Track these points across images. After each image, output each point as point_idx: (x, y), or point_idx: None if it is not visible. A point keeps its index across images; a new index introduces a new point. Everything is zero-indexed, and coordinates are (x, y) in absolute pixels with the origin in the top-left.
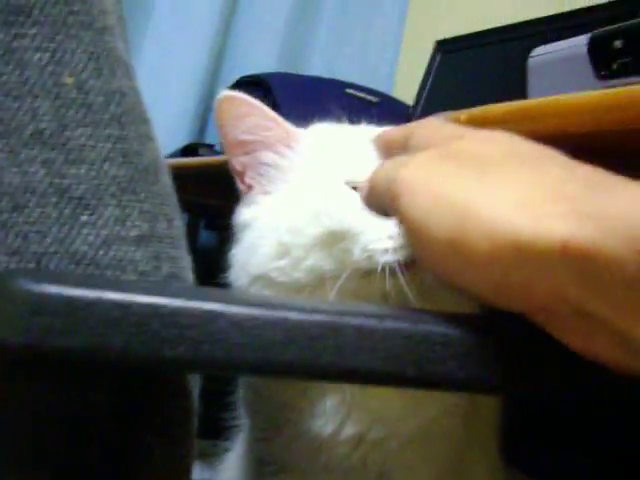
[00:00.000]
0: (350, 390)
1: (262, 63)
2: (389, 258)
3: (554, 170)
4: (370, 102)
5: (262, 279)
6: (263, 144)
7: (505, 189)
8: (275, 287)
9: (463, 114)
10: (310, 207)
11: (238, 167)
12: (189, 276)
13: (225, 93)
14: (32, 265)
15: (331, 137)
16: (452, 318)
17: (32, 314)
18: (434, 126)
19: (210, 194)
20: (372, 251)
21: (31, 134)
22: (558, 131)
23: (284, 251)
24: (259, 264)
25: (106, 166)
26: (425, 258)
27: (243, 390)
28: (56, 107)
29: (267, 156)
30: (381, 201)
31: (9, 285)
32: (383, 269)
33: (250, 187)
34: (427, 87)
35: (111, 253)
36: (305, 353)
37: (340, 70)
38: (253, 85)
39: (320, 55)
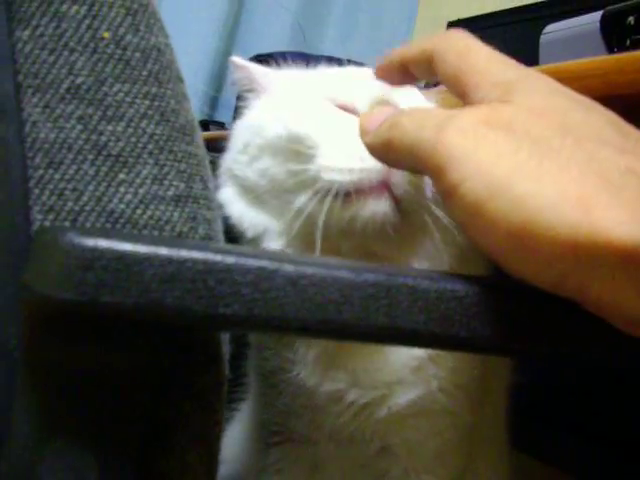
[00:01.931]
0: (332, 345)
1: (274, 42)
2: (346, 179)
3: (611, 156)
4: None
5: (229, 172)
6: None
7: (564, 181)
8: (239, 187)
9: None
10: (275, 111)
11: None
12: (222, 240)
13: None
14: (68, 223)
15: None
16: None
17: (83, 269)
18: (461, 47)
19: None
20: (328, 168)
21: (67, 89)
22: None
23: (243, 149)
24: (228, 158)
25: (144, 123)
26: (481, 242)
27: (251, 357)
28: (93, 62)
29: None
30: (406, 160)
31: (59, 240)
32: (337, 194)
33: None
34: None
35: (149, 212)
36: (359, 313)
37: (352, 51)
38: (265, 64)
39: (333, 35)
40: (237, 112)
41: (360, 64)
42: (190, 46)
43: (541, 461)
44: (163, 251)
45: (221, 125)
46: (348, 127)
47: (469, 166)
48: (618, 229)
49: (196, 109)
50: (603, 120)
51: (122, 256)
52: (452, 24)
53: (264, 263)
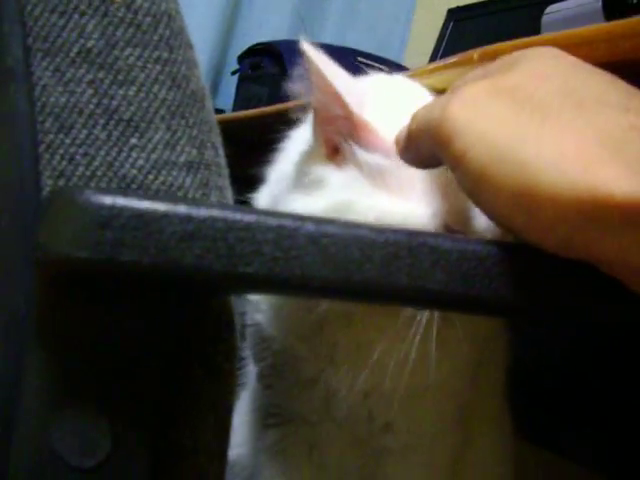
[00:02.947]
0: (363, 341)
1: (274, 31)
2: None
3: (613, 116)
4: (381, 71)
5: None
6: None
7: (565, 142)
8: None
9: (476, 52)
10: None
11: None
12: None
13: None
14: None
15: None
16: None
17: (101, 227)
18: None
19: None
20: None
21: (78, 52)
22: None
23: None
24: None
25: (155, 88)
26: (487, 207)
27: (250, 337)
28: (104, 25)
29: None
30: (424, 147)
31: (76, 198)
32: None
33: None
34: (439, 56)
35: (161, 178)
36: (380, 272)
37: (352, 39)
38: (264, 52)
39: (332, 24)
40: (236, 100)
41: (360, 53)
42: (190, 33)
43: (543, 448)
44: (182, 209)
45: (221, 112)
46: None
47: (472, 135)
48: (618, 185)
49: None
50: (606, 82)
51: (140, 214)
52: (452, 12)
53: (285, 222)
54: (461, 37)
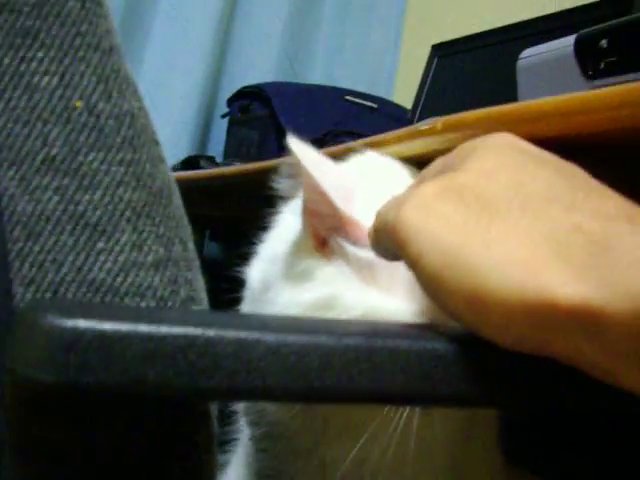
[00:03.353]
0: (353, 422)
1: (261, 72)
2: None
3: (558, 215)
4: (370, 108)
5: None
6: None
7: (511, 245)
8: None
9: (439, 122)
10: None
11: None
12: (204, 298)
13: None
14: (49, 295)
15: None
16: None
17: (64, 351)
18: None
19: (213, 206)
20: None
21: (42, 160)
22: (528, 136)
23: None
24: None
25: (120, 191)
26: (443, 307)
27: (244, 405)
28: (67, 132)
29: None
30: (387, 245)
31: (39, 321)
32: None
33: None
34: (425, 91)
35: (129, 279)
36: (341, 378)
37: (340, 78)
38: (253, 95)
39: (319, 63)
40: (227, 144)
41: (347, 92)
42: (177, 80)
43: (535, 474)
44: (143, 328)
45: (211, 159)
46: None
47: (424, 241)
48: (563, 289)
49: (185, 142)
50: (552, 176)
51: (102, 336)
52: (435, 47)
53: (244, 334)
54: (446, 72)
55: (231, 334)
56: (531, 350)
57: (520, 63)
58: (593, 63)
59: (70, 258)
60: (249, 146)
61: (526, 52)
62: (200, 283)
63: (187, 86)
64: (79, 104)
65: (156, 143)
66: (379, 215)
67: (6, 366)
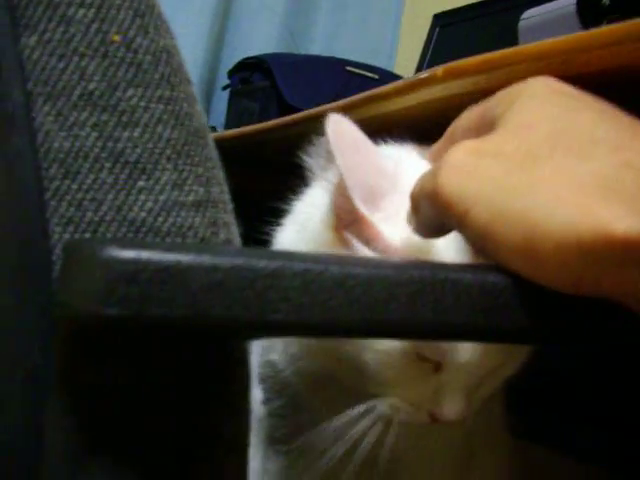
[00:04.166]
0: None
1: (262, 45)
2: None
3: (604, 155)
4: (371, 78)
5: None
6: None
7: (559, 186)
8: None
9: (439, 69)
10: None
11: None
12: (240, 243)
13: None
14: (88, 235)
15: None
16: None
17: (127, 283)
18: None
19: None
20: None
21: (80, 96)
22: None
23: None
24: None
25: (160, 128)
26: (496, 260)
27: (260, 367)
28: (105, 67)
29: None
30: (428, 213)
31: (98, 253)
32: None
33: None
34: (426, 61)
35: (170, 219)
36: (405, 310)
37: (341, 49)
38: (254, 67)
39: (320, 35)
40: (229, 115)
41: (348, 62)
42: (179, 49)
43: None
44: (207, 259)
45: (213, 130)
46: None
47: (468, 198)
48: (618, 223)
49: None
50: (596, 118)
51: (165, 267)
52: (437, 17)
53: (310, 266)
54: (448, 41)
55: (297, 266)
56: (586, 291)
57: (522, 24)
58: (595, 21)
59: (110, 197)
60: (250, 117)
61: (528, 12)
62: (235, 228)
63: (188, 58)
64: (116, 38)
65: (190, 83)
66: (417, 184)
67: (60, 302)
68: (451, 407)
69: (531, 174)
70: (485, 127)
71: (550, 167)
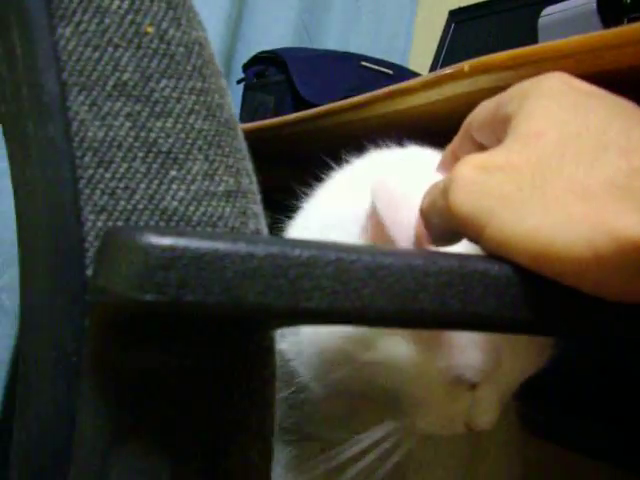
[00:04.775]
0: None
1: (277, 39)
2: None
3: (614, 161)
4: (385, 74)
5: None
6: None
7: (571, 200)
8: None
9: (465, 64)
10: None
11: None
12: (267, 234)
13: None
14: (120, 223)
15: None
16: None
17: (164, 269)
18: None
19: None
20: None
21: (114, 86)
22: None
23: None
24: None
25: (192, 119)
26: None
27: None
28: (138, 58)
29: None
30: (440, 225)
31: (137, 240)
32: None
33: None
34: (441, 57)
35: (202, 209)
36: (434, 300)
37: (356, 45)
38: (269, 61)
39: (335, 30)
40: (243, 109)
41: (363, 58)
42: None
43: (552, 443)
44: (242, 247)
45: None
46: None
47: (482, 216)
48: (632, 231)
49: None
50: (608, 116)
51: (202, 254)
52: (453, 13)
53: (343, 255)
54: (463, 38)
55: (330, 254)
56: (611, 295)
57: (541, 21)
58: (616, 19)
59: (142, 186)
60: (265, 111)
61: (548, 10)
62: (264, 218)
63: None
64: (150, 30)
65: (221, 74)
66: (426, 198)
67: (98, 287)
68: (486, 418)
69: (542, 190)
70: (498, 123)
71: (560, 181)
